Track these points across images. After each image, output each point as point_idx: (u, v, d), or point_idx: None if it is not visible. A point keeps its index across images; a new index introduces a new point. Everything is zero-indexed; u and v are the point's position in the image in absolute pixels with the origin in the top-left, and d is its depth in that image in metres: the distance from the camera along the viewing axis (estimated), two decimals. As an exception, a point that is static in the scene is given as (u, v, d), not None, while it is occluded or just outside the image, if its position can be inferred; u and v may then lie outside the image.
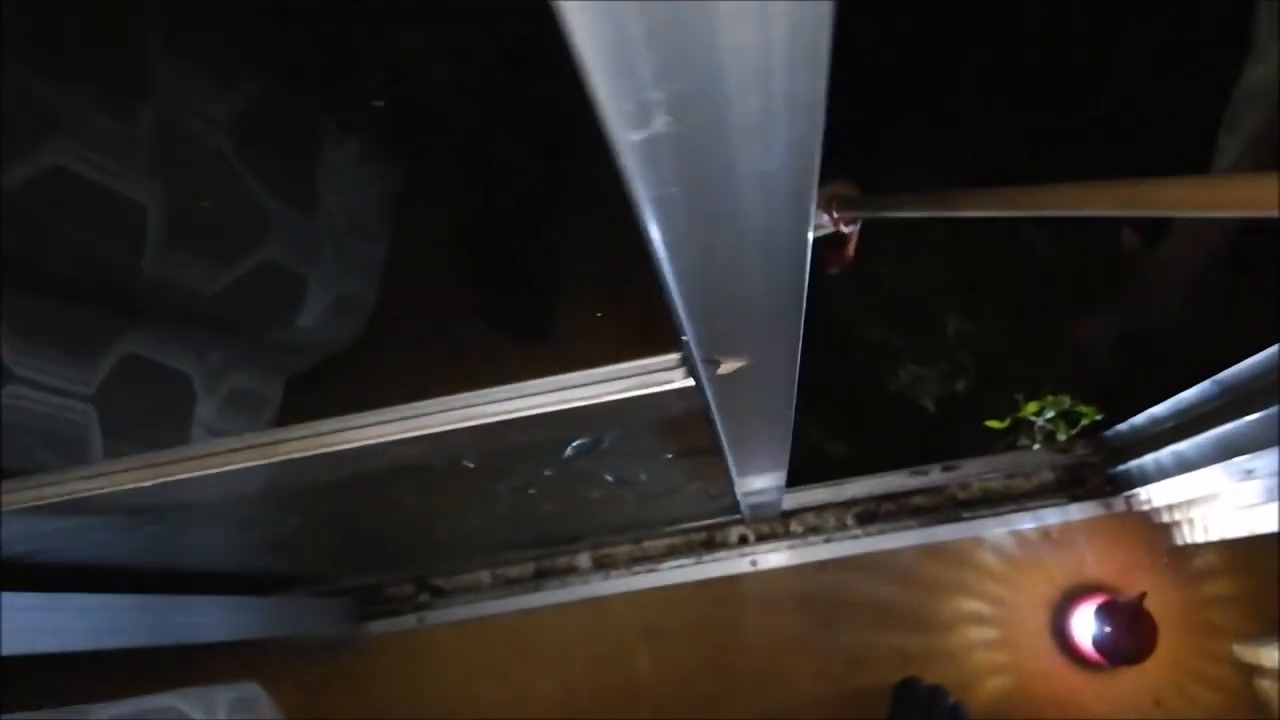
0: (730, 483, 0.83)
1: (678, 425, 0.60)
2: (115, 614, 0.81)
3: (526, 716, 1.19)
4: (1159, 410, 1.05)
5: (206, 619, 0.94)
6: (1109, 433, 1.17)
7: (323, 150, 1.17)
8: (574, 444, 0.63)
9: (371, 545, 1.04)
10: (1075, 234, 1.31)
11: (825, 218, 0.83)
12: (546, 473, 0.72)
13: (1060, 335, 1.30)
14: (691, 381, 0.46)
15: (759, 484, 0.89)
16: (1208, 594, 1.15)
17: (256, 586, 1.05)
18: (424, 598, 1.24)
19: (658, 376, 0.47)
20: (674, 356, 0.47)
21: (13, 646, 0.68)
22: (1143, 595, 1.06)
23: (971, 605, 1.17)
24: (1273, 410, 0.84)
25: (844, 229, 0.84)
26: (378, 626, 1.23)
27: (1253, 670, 1.11)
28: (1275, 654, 1.08)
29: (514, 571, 1.25)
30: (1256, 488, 0.95)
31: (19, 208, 0.78)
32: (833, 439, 1.27)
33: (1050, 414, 1.05)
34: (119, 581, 0.82)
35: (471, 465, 0.65)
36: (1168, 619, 1.09)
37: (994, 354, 1.26)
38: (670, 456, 0.73)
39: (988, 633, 1.16)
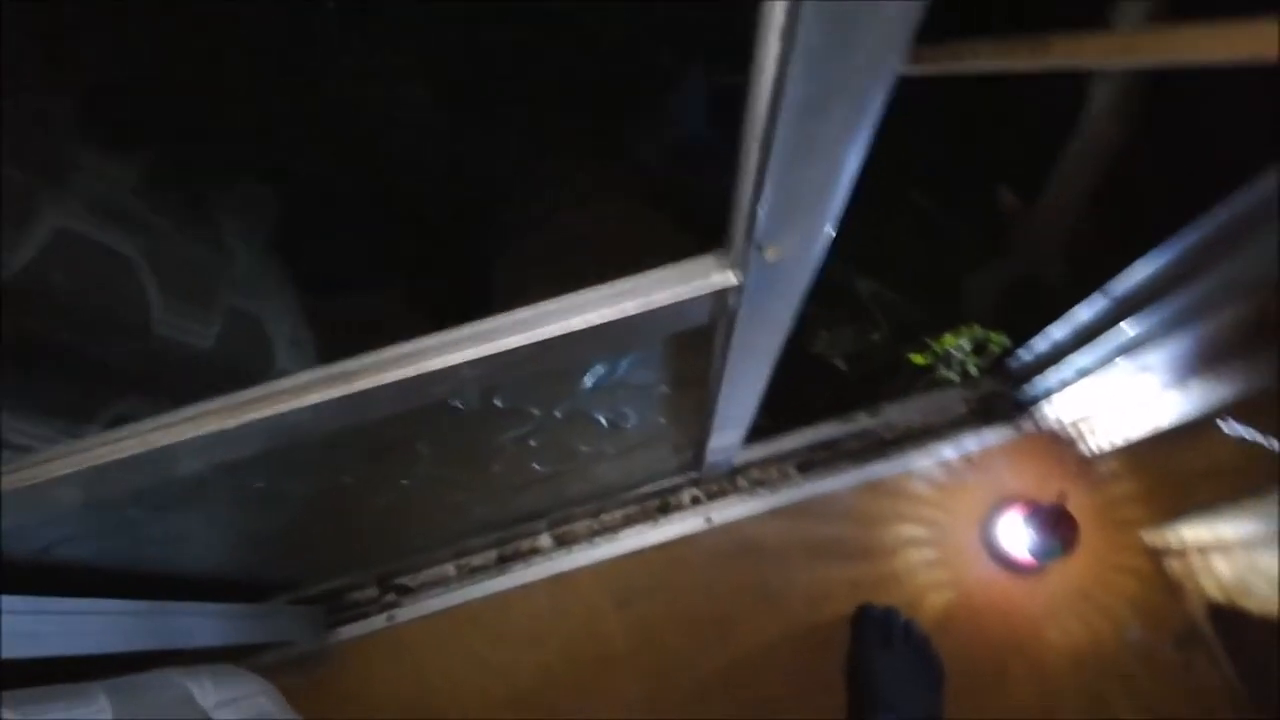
0: (705, 427, 0.89)
1: (691, 345, 0.65)
2: (105, 619, 0.81)
3: (508, 698, 1.21)
4: (1056, 331, 1.16)
5: (192, 624, 0.94)
6: (1012, 362, 1.29)
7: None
8: (594, 371, 0.68)
9: (342, 537, 1.07)
10: (960, 198, 1.45)
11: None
12: (556, 414, 0.76)
13: (960, 288, 1.43)
14: (735, 280, 0.52)
15: (729, 432, 0.97)
16: (1115, 494, 1.28)
17: (233, 595, 1.06)
18: (390, 597, 1.26)
19: (710, 279, 0.52)
20: (724, 255, 0.52)
21: (9, 651, 0.69)
22: (1063, 495, 1.17)
23: (909, 531, 1.27)
24: (1159, 309, 0.96)
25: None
26: (349, 631, 1.24)
27: (1161, 554, 1.24)
28: (1177, 536, 1.20)
29: (477, 560, 1.29)
30: (1152, 381, 1.06)
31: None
32: (771, 403, 1.35)
33: (965, 344, 1.16)
34: (104, 588, 0.83)
35: (500, 404, 0.69)
36: (1083, 521, 1.20)
37: (904, 308, 1.37)
38: (665, 390, 0.79)
39: (927, 553, 1.25)
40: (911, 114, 1.42)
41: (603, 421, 0.84)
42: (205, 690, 0.81)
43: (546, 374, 0.66)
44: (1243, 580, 1.13)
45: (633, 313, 0.53)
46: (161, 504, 0.73)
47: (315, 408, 0.54)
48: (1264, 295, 0.90)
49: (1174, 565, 1.23)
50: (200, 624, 0.96)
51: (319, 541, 1.05)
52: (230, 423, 0.55)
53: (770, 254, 0.49)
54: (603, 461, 1.01)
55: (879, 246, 1.42)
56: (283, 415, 0.54)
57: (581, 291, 0.53)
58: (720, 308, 0.57)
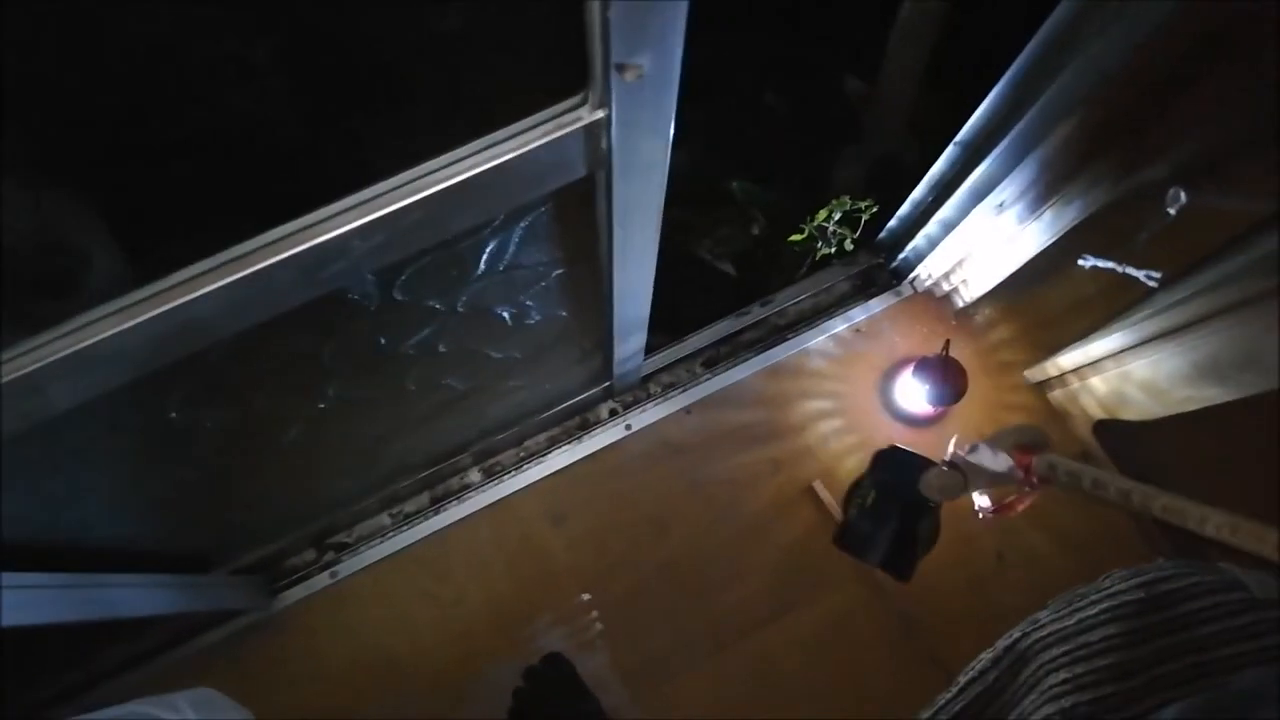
0: (606, 320, 0.93)
1: (578, 213, 0.67)
2: (44, 591, 0.80)
3: (462, 629, 1.24)
4: (917, 192, 1.24)
5: (127, 595, 0.94)
6: (882, 234, 1.38)
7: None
8: (486, 248, 0.70)
9: (267, 489, 1.07)
10: (809, 91, 1.53)
11: (1015, 469, 0.92)
12: (459, 308, 0.78)
13: (827, 177, 1.50)
14: (601, 113, 0.54)
15: (632, 338, 1.00)
16: (994, 340, 1.38)
17: (174, 568, 1.06)
18: (330, 556, 1.28)
19: (577, 115, 0.54)
20: (587, 93, 0.54)
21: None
22: (947, 343, 1.26)
23: (815, 405, 1.34)
24: (1002, 143, 1.04)
25: (1030, 485, 0.93)
26: (295, 594, 1.25)
27: (1044, 387, 1.34)
28: (1056, 367, 1.31)
29: (410, 505, 1.31)
30: (1010, 218, 1.15)
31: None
32: (670, 314, 1.41)
33: (837, 215, 1.23)
34: (41, 562, 0.82)
35: (401, 297, 0.70)
36: (968, 368, 1.29)
37: (776, 201, 1.44)
38: (560, 272, 0.81)
39: (835, 423, 1.33)
40: (755, 21, 1.50)
41: (506, 317, 0.86)
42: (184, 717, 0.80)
43: (441, 258, 0.68)
44: (1118, 393, 1.24)
45: (509, 157, 0.55)
46: (76, 448, 0.73)
47: (212, 298, 0.54)
48: (1085, 112, 0.99)
49: (1057, 395, 1.33)
50: (136, 595, 0.95)
51: (246, 499, 1.06)
52: (111, 330, 0.53)
53: (629, 75, 0.51)
54: (515, 373, 1.04)
55: (745, 148, 1.49)
56: (180, 309, 0.53)
57: (457, 149, 0.55)
58: (594, 152, 0.59)
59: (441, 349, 0.84)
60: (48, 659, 1.17)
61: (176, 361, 0.58)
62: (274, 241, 0.52)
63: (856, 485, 1.18)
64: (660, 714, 1.20)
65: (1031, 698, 1.02)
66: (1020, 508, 0.98)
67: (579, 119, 0.54)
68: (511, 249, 0.71)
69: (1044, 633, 1.02)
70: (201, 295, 0.51)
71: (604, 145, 0.57)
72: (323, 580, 1.26)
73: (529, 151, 0.54)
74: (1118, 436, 1.29)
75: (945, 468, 1.02)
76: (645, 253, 0.77)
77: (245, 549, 1.20)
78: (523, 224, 0.68)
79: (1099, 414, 1.28)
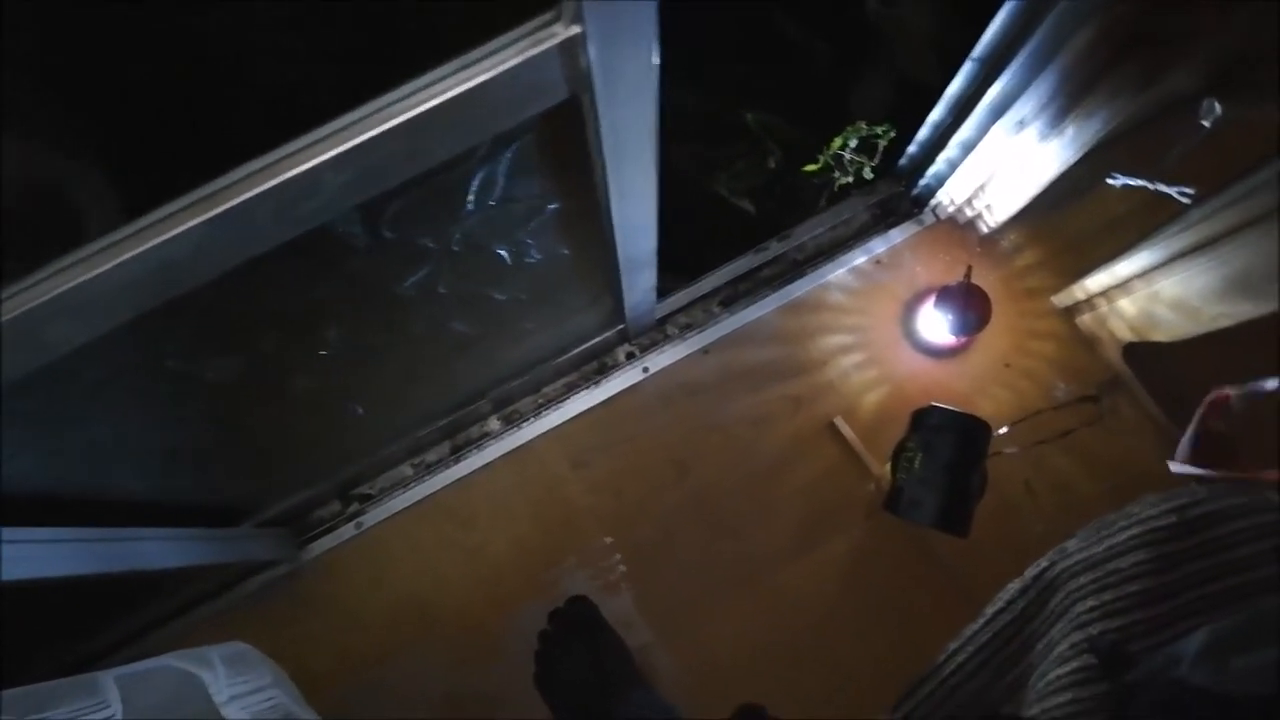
0: (612, 256, 0.91)
1: (565, 142, 0.65)
2: (72, 545, 0.82)
3: (489, 574, 1.25)
4: (935, 113, 1.20)
5: (158, 548, 0.96)
6: (902, 160, 1.33)
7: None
8: (474, 181, 0.68)
9: (285, 440, 1.08)
10: (823, 12, 1.47)
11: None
12: (453, 247, 0.77)
13: (845, 104, 1.45)
14: (576, 28, 0.52)
15: (641, 273, 0.98)
16: (1019, 267, 1.33)
17: (202, 522, 1.08)
18: (354, 507, 1.29)
19: (552, 30, 0.52)
20: (555, 10, 0.52)
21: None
22: (968, 270, 1.22)
23: (836, 340, 1.32)
24: (1020, 55, 0.99)
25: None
26: (321, 545, 1.27)
27: (1072, 312, 1.30)
28: (1084, 290, 1.26)
29: (431, 455, 1.31)
30: (1031, 135, 1.10)
31: None
32: (683, 252, 1.38)
33: (854, 143, 1.19)
34: (72, 516, 0.84)
35: (390, 235, 0.69)
36: (994, 297, 1.25)
37: (792, 131, 1.40)
38: (556, 207, 0.79)
39: (856, 357, 1.31)
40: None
41: (505, 256, 0.85)
42: (218, 678, 0.81)
43: (427, 193, 0.67)
44: (1148, 314, 1.20)
45: (481, 80, 0.53)
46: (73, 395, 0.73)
47: (186, 238, 0.53)
48: (1104, 17, 0.94)
49: (1086, 320, 1.29)
50: (163, 548, 0.97)
51: (264, 451, 1.07)
52: (87, 275, 0.52)
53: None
54: (523, 316, 1.03)
55: (758, 77, 1.44)
56: (155, 251, 0.53)
57: (429, 72, 0.53)
58: (573, 72, 0.57)
59: (442, 290, 0.83)
60: (96, 611, 1.20)
61: (165, 306, 0.57)
62: (244, 178, 0.51)
63: (901, 449, 1.17)
64: (686, 652, 1.21)
65: (1059, 626, 1.01)
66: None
67: (553, 35, 0.52)
68: (501, 181, 0.69)
69: (1072, 561, 1.01)
70: (175, 236, 0.51)
71: (583, 64, 0.55)
72: (349, 531, 1.27)
73: (503, 73, 0.52)
74: (1147, 359, 1.25)
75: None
76: (643, 184, 0.74)
77: (271, 502, 1.21)
78: (509, 154, 0.66)
79: (1129, 337, 1.24)
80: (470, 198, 0.69)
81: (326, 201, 0.55)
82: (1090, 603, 0.94)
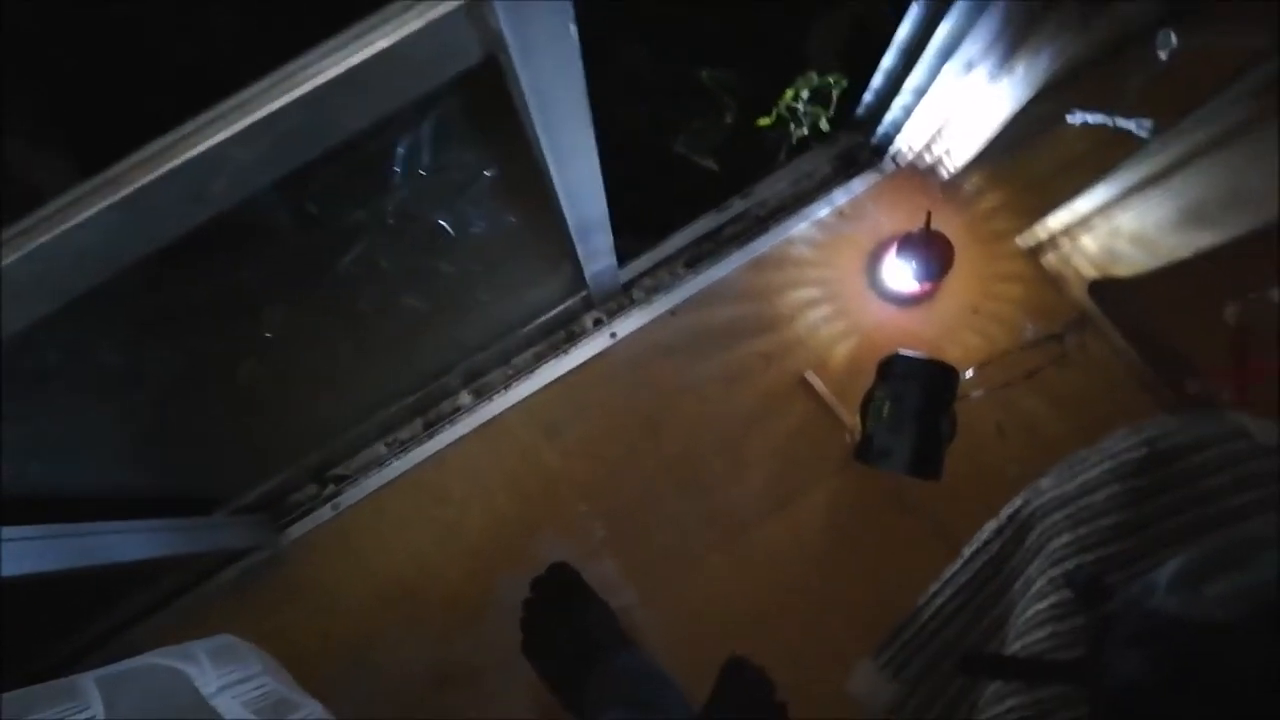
0: (561, 221, 0.89)
1: (490, 107, 0.63)
2: (34, 543, 0.80)
3: (468, 548, 1.25)
4: (886, 59, 1.18)
5: (128, 541, 0.95)
6: (860, 110, 1.32)
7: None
8: (398, 151, 0.66)
9: (246, 425, 1.07)
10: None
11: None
12: (387, 220, 0.75)
13: (799, 51, 1.44)
14: None
15: (596, 236, 0.97)
16: (982, 209, 1.33)
17: (176, 512, 1.07)
18: (330, 489, 1.28)
19: None
20: None
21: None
22: (928, 215, 1.22)
23: (803, 294, 1.31)
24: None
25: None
26: (299, 529, 1.26)
27: (1036, 253, 1.30)
28: (1046, 230, 1.26)
29: (404, 433, 1.31)
30: (980, 76, 1.09)
31: None
32: (646, 216, 1.37)
33: (805, 94, 1.18)
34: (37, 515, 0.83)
35: (315, 210, 0.68)
36: (958, 242, 1.25)
37: (747, 83, 1.38)
38: (492, 174, 0.78)
39: (823, 310, 1.30)
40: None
41: (447, 227, 0.84)
42: (204, 671, 0.79)
43: (348, 166, 0.65)
44: (1109, 250, 1.20)
45: (385, 45, 0.52)
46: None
47: (92, 225, 0.51)
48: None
49: (1050, 260, 1.29)
50: (132, 540, 0.96)
51: (227, 437, 1.06)
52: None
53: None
54: (477, 285, 1.02)
55: (710, 33, 1.42)
56: (62, 239, 0.51)
57: (332, 39, 0.52)
58: (484, 32, 0.56)
59: (384, 265, 0.81)
60: (72, 610, 1.20)
61: (86, 297, 0.56)
62: (145, 160, 0.50)
63: (869, 398, 1.18)
64: (669, 610, 1.21)
65: (1037, 563, 1.02)
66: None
67: None
68: (427, 150, 0.68)
69: (1046, 498, 1.02)
70: (81, 223, 0.49)
71: (493, 24, 0.53)
72: (326, 513, 1.27)
73: (407, 37, 0.50)
74: (1112, 295, 1.25)
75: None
76: (581, 144, 0.73)
77: (244, 488, 1.21)
78: (430, 121, 0.64)
79: (1092, 274, 1.24)
80: (396, 168, 0.68)
81: (239, 180, 0.54)
82: (1065, 538, 0.95)
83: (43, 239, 0.49)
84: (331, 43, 0.51)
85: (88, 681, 0.72)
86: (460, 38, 0.54)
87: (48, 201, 0.51)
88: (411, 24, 0.50)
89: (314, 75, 0.51)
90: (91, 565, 0.87)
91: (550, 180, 0.76)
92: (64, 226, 0.49)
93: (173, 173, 0.50)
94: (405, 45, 0.51)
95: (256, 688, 0.86)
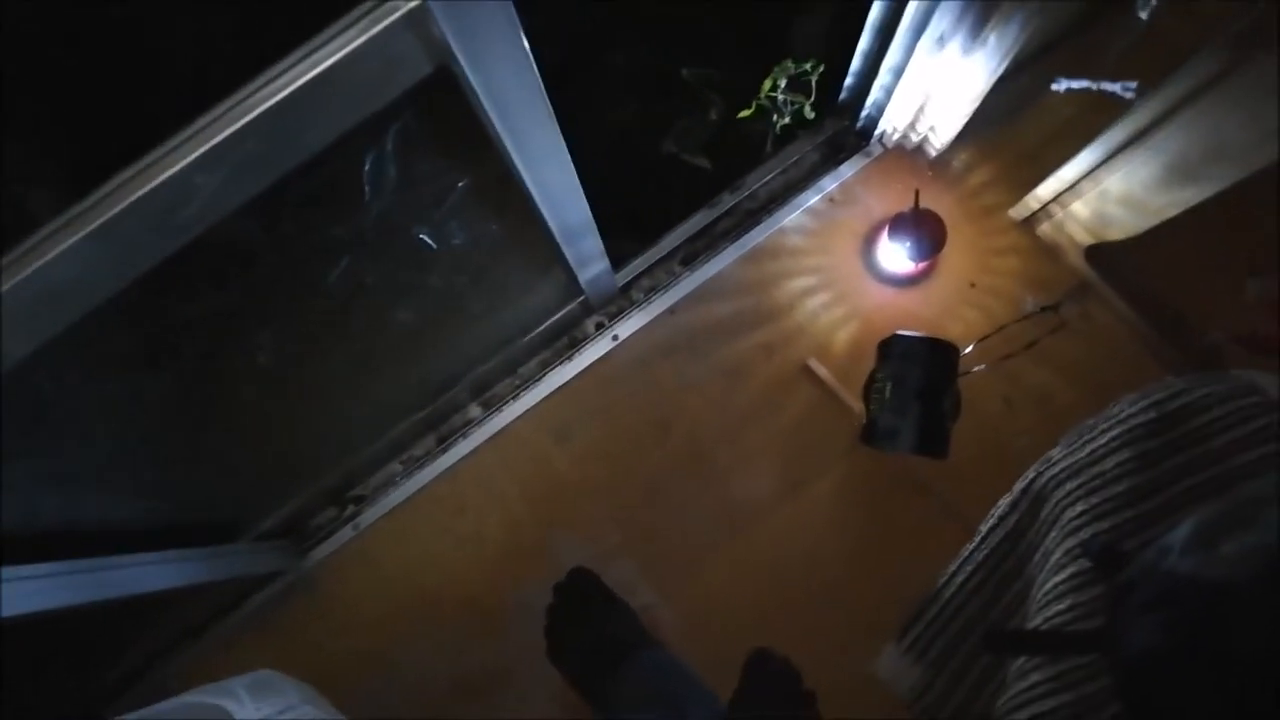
0: (545, 227, 0.90)
1: (448, 113, 0.64)
2: (59, 578, 0.83)
3: (489, 556, 1.27)
4: (862, 41, 1.18)
5: (149, 571, 0.98)
6: (842, 95, 1.33)
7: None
8: (365, 167, 0.68)
9: (264, 456, 1.10)
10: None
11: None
12: (366, 237, 0.76)
13: (781, 41, 1.44)
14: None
15: (583, 240, 0.97)
16: (973, 185, 1.33)
17: (200, 541, 1.09)
18: (350, 510, 1.31)
19: (388, 7, 0.52)
20: None
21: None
22: (916, 194, 1.22)
23: (799, 283, 1.32)
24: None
25: None
26: (321, 551, 1.29)
27: (1031, 224, 1.30)
28: (1038, 200, 1.26)
29: (418, 450, 1.33)
30: (954, 50, 1.09)
31: None
32: (640, 218, 1.38)
33: (783, 82, 1.19)
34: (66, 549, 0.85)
35: (292, 233, 0.69)
36: (951, 218, 1.25)
37: (730, 79, 1.39)
38: (466, 184, 0.79)
39: (822, 298, 1.31)
40: None
41: (428, 240, 0.85)
42: (243, 705, 0.80)
43: (316, 186, 0.66)
44: (1100, 214, 1.20)
45: (331, 63, 0.53)
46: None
47: (67, 258, 0.52)
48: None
49: (1045, 229, 1.29)
50: (156, 571, 0.99)
51: (241, 464, 1.09)
52: None
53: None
54: (468, 297, 1.04)
55: (688, 31, 1.43)
56: (38, 275, 0.52)
57: (279, 62, 0.53)
58: (430, 43, 0.57)
59: (370, 282, 0.83)
60: (102, 645, 1.22)
61: (69, 332, 0.58)
62: (111, 193, 0.51)
63: (871, 380, 1.18)
64: (688, 606, 1.22)
65: (1053, 535, 1.02)
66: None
67: (394, 9, 0.52)
68: (394, 164, 0.69)
69: (1057, 469, 1.01)
70: (56, 257, 0.51)
71: (436, 33, 0.55)
72: (347, 534, 1.29)
73: (350, 54, 0.52)
74: (1110, 260, 1.25)
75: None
76: (550, 149, 0.74)
77: (264, 515, 1.23)
78: (392, 135, 0.66)
79: (1087, 240, 1.24)
80: (366, 185, 0.69)
81: (208, 206, 0.55)
82: (1079, 508, 0.95)
83: (21, 275, 0.51)
84: (279, 65, 0.52)
85: None
86: (407, 49, 0.55)
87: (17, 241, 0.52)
88: (354, 41, 0.52)
89: (265, 98, 0.52)
90: (111, 598, 0.90)
91: (526, 187, 0.77)
92: (39, 263, 0.51)
93: (139, 202, 0.51)
94: (351, 61, 0.52)
95: (296, 717, 0.87)
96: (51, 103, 0.60)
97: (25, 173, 0.64)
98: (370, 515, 1.30)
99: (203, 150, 0.52)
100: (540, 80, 0.65)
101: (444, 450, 1.31)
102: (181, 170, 0.52)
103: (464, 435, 1.32)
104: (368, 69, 0.54)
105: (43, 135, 0.63)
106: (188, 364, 0.79)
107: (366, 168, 0.67)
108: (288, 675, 0.91)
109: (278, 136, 0.55)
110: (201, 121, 0.52)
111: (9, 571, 0.76)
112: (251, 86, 0.52)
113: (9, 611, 0.76)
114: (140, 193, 0.51)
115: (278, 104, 0.52)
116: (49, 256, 0.51)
